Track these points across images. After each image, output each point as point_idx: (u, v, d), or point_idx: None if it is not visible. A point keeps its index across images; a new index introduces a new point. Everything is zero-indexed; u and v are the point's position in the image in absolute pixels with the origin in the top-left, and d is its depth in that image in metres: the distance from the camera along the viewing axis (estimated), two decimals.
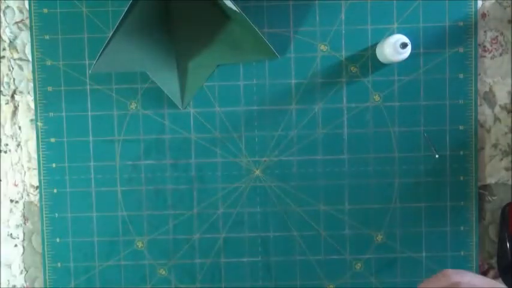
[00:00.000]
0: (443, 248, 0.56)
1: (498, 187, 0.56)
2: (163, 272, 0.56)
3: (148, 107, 0.55)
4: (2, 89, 0.56)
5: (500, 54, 0.55)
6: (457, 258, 0.55)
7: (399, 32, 0.54)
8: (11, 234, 0.57)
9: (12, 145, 0.57)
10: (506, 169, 0.56)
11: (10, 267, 0.58)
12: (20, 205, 0.57)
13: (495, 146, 0.56)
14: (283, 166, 0.56)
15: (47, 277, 0.56)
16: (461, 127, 0.55)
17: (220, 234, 0.56)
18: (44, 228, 0.56)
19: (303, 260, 0.56)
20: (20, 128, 0.57)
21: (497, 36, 0.55)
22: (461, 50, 0.54)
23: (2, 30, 0.56)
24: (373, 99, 0.55)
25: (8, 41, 0.56)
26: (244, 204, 0.56)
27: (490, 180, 0.56)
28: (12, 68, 0.56)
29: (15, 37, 0.56)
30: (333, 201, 0.56)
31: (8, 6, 0.56)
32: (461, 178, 0.55)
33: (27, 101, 0.56)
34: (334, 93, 0.55)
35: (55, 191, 0.56)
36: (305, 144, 0.55)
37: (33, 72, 0.55)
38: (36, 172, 0.56)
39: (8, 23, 0.56)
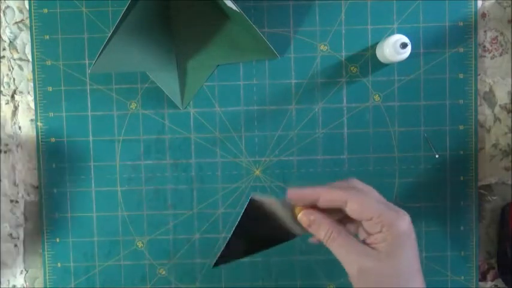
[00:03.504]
0: (443, 248, 0.56)
1: (498, 187, 0.56)
2: (163, 272, 0.56)
3: (148, 107, 0.55)
4: (2, 89, 0.56)
5: (500, 54, 0.55)
6: (457, 258, 0.55)
7: (399, 32, 0.54)
8: (11, 234, 0.57)
9: (12, 145, 0.57)
10: (506, 169, 0.56)
11: (10, 268, 0.58)
12: (20, 205, 0.57)
13: (495, 146, 0.56)
14: (283, 166, 0.56)
15: (47, 277, 0.56)
16: (461, 127, 0.55)
17: (220, 234, 0.56)
18: (44, 228, 0.56)
19: (303, 260, 0.56)
20: (20, 128, 0.57)
21: (497, 36, 0.55)
22: (461, 50, 0.54)
23: (2, 30, 0.56)
24: (373, 99, 0.55)
25: (8, 41, 0.56)
26: (244, 204, 0.56)
27: (490, 180, 0.56)
28: (12, 68, 0.56)
29: (15, 37, 0.56)
30: None
31: (8, 6, 0.56)
32: (461, 178, 0.55)
33: (27, 101, 0.56)
34: (334, 93, 0.55)
35: (55, 191, 0.56)
36: (305, 144, 0.55)
37: (33, 72, 0.55)
38: (36, 172, 0.56)
39: (8, 23, 0.56)
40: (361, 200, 0.42)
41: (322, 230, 0.43)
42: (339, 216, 0.43)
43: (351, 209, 0.42)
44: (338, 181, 0.44)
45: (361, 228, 0.42)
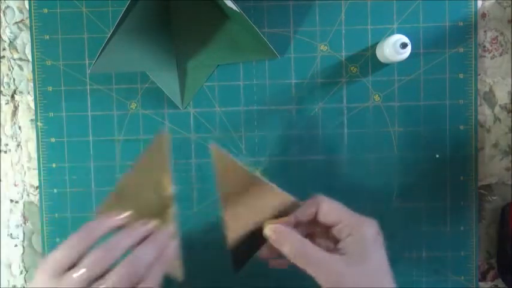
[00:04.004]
0: (443, 248, 0.56)
1: (498, 187, 0.56)
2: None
3: (148, 107, 0.56)
4: (2, 89, 0.56)
5: (500, 54, 0.55)
6: (457, 258, 0.55)
7: (399, 32, 0.54)
8: (11, 234, 0.57)
9: (12, 145, 0.57)
10: (506, 169, 0.56)
11: (10, 267, 0.58)
12: (20, 205, 0.57)
13: (495, 146, 0.56)
14: (283, 166, 0.55)
15: None
16: (461, 127, 0.55)
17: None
18: (44, 228, 0.56)
19: None
20: (20, 128, 0.57)
21: (497, 36, 0.55)
22: (461, 50, 0.54)
23: (2, 30, 0.56)
24: (373, 99, 0.55)
25: (8, 41, 0.56)
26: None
27: (490, 180, 0.56)
28: (12, 68, 0.56)
29: (15, 37, 0.56)
30: None
31: (8, 6, 0.56)
32: (461, 178, 0.55)
33: (27, 101, 0.56)
34: (334, 93, 0.55)
35: (55, 191, 0.56)
36: (305, 144, 0.55)
37: (33, 72, 0.55)
38: (36, 172, 0.56)
39: (8, 23, 0.56)
40: (332, 203, 0.43)
41: (288, 245, 0.42)
42: (306, 232, 0.44)
43: (323, 212, 0.43)
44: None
45: (328, 240, 0.43)
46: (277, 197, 0.45)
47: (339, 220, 0.42)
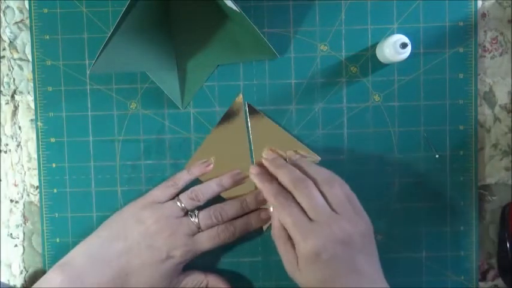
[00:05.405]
0: (443, 248, 0.56)
1: (498, 187, 0.56)
2: None
3: (148, 107, 0.56)
4: (2, 89, 0.56)
5: (500, 54, 0.55)
6: (457, 258, 0.55)
7: (399, 32, 0.54)
8: (11, 234, 0.57)
9: (12, 145, 0.57)
10: (506, 169, 0.56)
11: (10, 267, 0.58)
12: (20, 205, 0.57)
13: (495, 146, 0.56)
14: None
15: None
16: (461, 127, 0.55)
17: None
18: (44, 228, 0.56)
19: None
20: (20, 128, 0.57)
21: (497, 36, 0.55)
22: (461, 50, 0.54)
23: (2, 30, 0.56)
24: (373, 99, 0.55)
25: (8, 41, 0.56)
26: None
27: (490, 180, 0.56)
28: (12, 68, 0.56)
29: (15, 37, 0.56)
30: None
31: (8, 6, 0.56)
32: (461, 178, 0.55)
33: (27, 101, 0.56)
34: (334, 93, 0.55)
35: (55, 191, 0.56)
36: (305, 144, 0.55)
37: (33, 72, 0.55)
38: (36, 172, 0.56)
39: (8, 23, 0.56)
40: (284, 218, 0.46)
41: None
42: None
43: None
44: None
45: None
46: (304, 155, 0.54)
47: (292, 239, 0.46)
